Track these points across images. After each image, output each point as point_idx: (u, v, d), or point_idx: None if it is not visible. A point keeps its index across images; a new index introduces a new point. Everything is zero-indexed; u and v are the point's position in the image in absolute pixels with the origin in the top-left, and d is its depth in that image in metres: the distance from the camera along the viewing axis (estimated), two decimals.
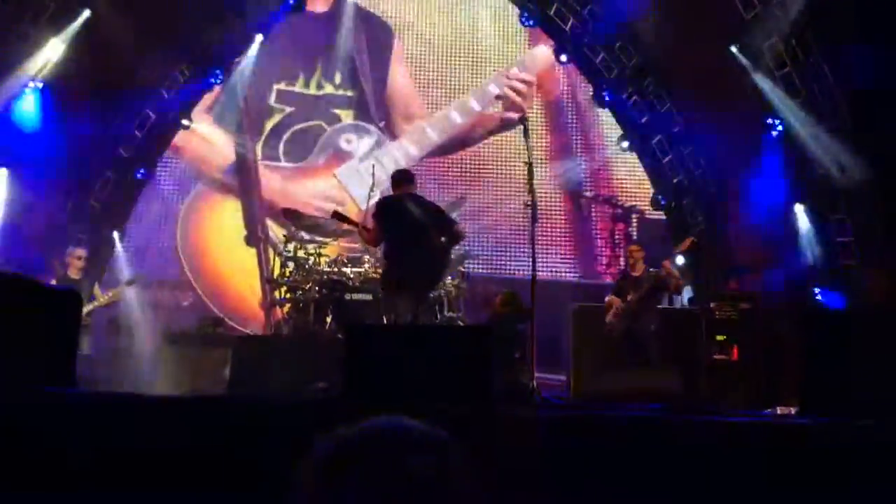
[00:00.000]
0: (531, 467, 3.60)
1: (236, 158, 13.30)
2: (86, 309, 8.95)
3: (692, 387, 8.32)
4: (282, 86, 13.70)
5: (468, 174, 13.12)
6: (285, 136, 13.54)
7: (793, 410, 6.29)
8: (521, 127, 7.12)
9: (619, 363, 8.63)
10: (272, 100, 13.66)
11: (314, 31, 13.78)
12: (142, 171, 12.19)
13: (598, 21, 12.46)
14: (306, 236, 9.93)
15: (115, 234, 11.72)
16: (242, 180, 13.44)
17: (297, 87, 13.79)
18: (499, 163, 13.02)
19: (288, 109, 13.66)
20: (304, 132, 13.63)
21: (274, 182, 13.43)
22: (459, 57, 13.67)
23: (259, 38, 12.58)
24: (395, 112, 13.83)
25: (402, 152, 13.51)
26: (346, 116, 13.78)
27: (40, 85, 10.59)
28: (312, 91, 13.74)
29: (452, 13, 13.78)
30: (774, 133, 11.44)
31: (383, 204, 7.78)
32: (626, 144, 12.95)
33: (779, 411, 7.20)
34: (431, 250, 7.21)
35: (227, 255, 13.16)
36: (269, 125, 13.61)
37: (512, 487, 3.49)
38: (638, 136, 12.84)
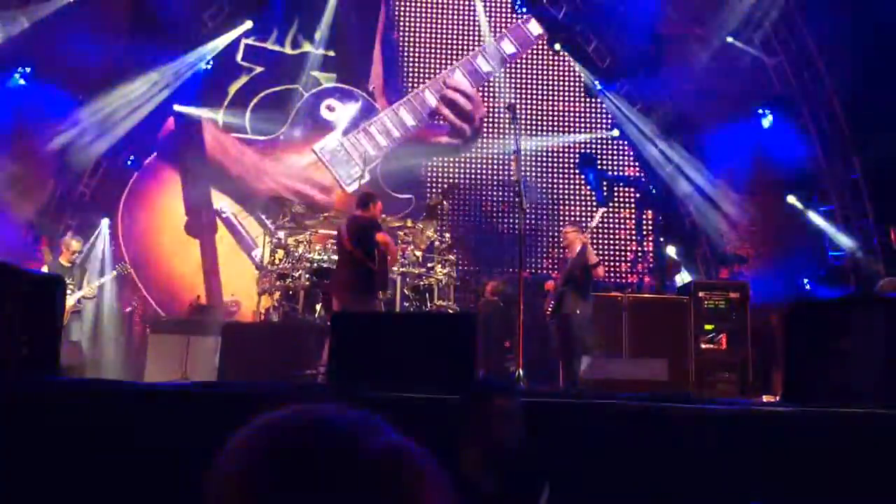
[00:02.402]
0: (515, 455, 3.60)
1: (175, 128, 11.73)
2: (75, 296, 8.93)
3: (679, 375, 8.33)
4: (251, 41, 12.04)
5: (457, 161, 12.88)
6: (253, 102, 12.02)
7: (777, 398, 6.33)
8: (510, 113, 7.09)
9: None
10: (239, 56, 12.12)
11: None
12: (131, 158, 12.10)
13: (591, 9, 12.42)
14: (294, 224, 9.90)
15: (105, 221, 11.62)
16: (185, 154, 11.90)
17: (269, 44, 12.20)
18: (488, 149, 12.85)
19: (257, 69, 12.12)
20: (276, 97, 12.08)
21: (246, 158, 11.91)
22: (453, 29, 12.81)
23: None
24: (380, 80, 12.48)
25: (397, 122, 12.37)
26: (327, 80, 12.32)
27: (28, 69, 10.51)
28: (288, 50, 12.19)
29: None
30: (765, 122, 11.48)
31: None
32: (616, 132, 12.94)
33: (765, 400, 7.23)
34: None
35: (172, 246, 11.83)
36: (233, 88, 12.05)
37: (495, 474, 3.50)
38: (630, 124, 12.83)
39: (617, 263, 12.65)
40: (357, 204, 7.67)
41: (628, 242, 12.74)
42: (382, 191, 11.97)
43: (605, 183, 12.84)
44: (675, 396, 5.39)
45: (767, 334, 8.97)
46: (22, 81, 10.52)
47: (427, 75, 12.80)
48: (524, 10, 13.17)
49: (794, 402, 4.49)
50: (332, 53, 12.33)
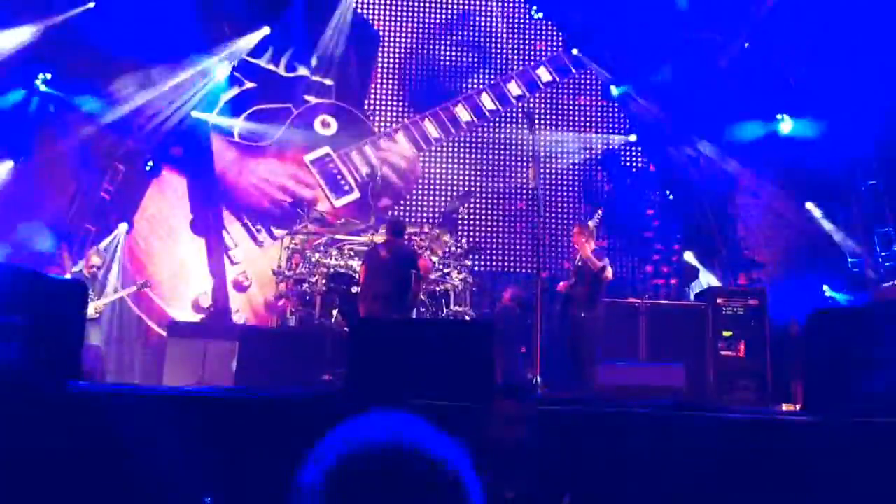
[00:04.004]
0: (532, 461, 3.60)
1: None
2: (96, 304, 9.01)
3: (697, 382, 8.27)
4: (244, 55, 12.08)
5: (474, 168, 12.81)
6: (243, 114, 12.14)
7: (797, 407, 6.27)
8: (527, 120, 7.11)
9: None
10: (232, 66, 12.13)
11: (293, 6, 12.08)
12: (150, 162, 12.16)
13: (609, 13, 12.38)
14: (312, 229, 9.94)
15: (122, 227, 11.62)
16: (193, 153, 11.94)
17: (263, 62, 12.26)
18: (505, 156, 12.83)
19: (248, 84, 12.27)
20: (267, 113, 12.21)
21: (229, 154, 11.94)
22: (454, 59, 12.75)
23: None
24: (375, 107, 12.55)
25: (392, 145, 12.45)
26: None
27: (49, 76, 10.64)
28: (282, 71, 12.30)
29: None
30: (784, 127, 11.42)
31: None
32: (633, 138, 12.89)
33: (784, 408, 7.17)
34: None
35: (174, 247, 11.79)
36: (224, 97, 12.15)
37: (513, 481, 3.49)
38: (648, 129, 12.78)
39: (634, 269, 12.57)
40: (396, 231, 8.19)
41: (647, 248, 12.66)
42: (370, 211, 12.03)
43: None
44: (693, 404, 5.36)
45: (786, 342, 8.90)
46: (44, 87, 10.64)
47: (427, 103, 12.81)
48: (541, 13, 13.15)
49: (815, 411, 4.45)
50: (329, 82, 12.42)
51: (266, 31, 12.18)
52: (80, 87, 10.72)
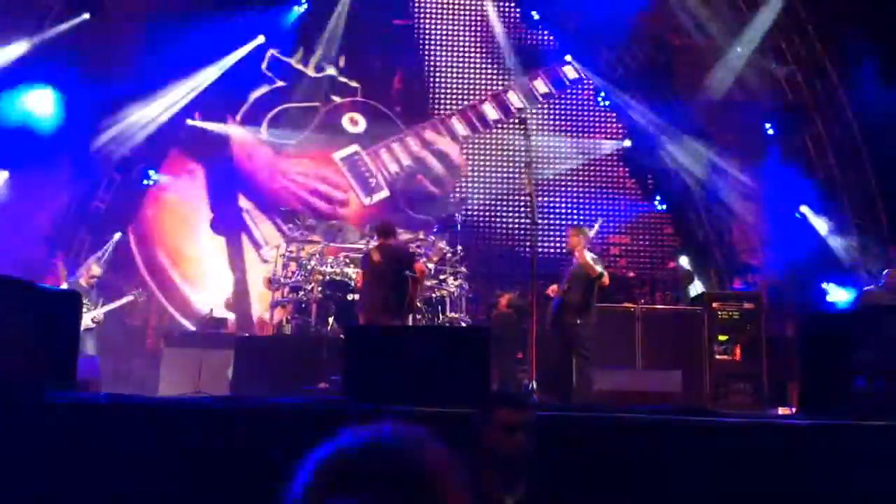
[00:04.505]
0: (528, 468, 3.59)
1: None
2: (92, 314, 8.99)
3: (694, 387, 8.27)
4: (276, 52, 12.28)
5: (469, 174, 12.90)
6: (272, 113, 12.27)
7: (793, 411, 6.27)
8: (522, 126, 7.11)
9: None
10: (264, 65, 12.33)
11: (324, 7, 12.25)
12: (149, 172, 12.17)
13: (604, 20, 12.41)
14: (307, 237, 9.95)
15: (116, 236, 11.60)
16: (211, 149, 12.00)
17: (294, 62, 12.42)
18: (499, 162, 12.87)
19: (279, 83, 12.38)
20: (296, 112, 12.33)
21: (260, 154, 12.00)
22: (472, 56, 12.90)
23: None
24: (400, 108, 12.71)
25: (421, 142, 12.46)
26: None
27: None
28: (311, 72, 12.42)
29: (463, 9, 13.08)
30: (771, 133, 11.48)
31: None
32: (628, 143, 12.92)
33: (780, 411, 7.17)
34: None
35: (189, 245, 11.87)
36: (253, 95, 12.29)
37: (513, 489, 3.48)
38: (642, 135, 12.81)
39: (630, 275, 12.57)
40: (385, 232, 7.99)
41: (642, 255, 12.67)
42: (401, 209, 12.05)
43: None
44: (690, 409, 5.36)
45: (782, 345, 8.90)
46: (40, 98, 10.60)
47: (452, 102, 12.91)
48: (538, 20, 13.17)
49: (810, 414, 4.45)
50: (355, 84, 12.56)
51: (261, 39, 12.20)
52: (77, 97, 10.70)
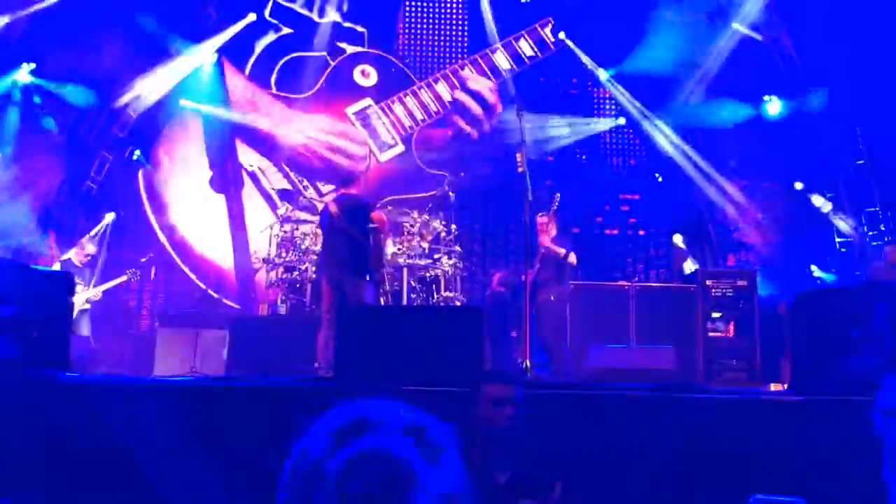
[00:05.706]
0: (521, 445, 3.62)
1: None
2: (83, 296, 8.97)
3: (687, 364, 8.32)
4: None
5: (464, 155, 12.74)
6: (280, 63, 11.94)
7: (785, 387, 6.32)
8: (516, 105, 7.09)
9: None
10: (267, 12, 12.01)
11: None
12: (136, 151, 12.05)
13: None
14: (302, 216, 9.92)
15: (110, 216, 11.52)
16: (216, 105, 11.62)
17: (297, 6, 12.06)
18: (494, 140, 12.71)
19: (285, 30, 12.05)
20: (304, 62, 11.98)
21: (275, 110, 11.65)
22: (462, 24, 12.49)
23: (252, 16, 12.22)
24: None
25: (433, 96, 12.06)
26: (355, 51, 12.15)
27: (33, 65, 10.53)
28: (314, 16, 12.06)
29: None
30: (771, 108, 11.43)
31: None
32: (623, 120, 12.87)
33: (772, 388, 7.22)
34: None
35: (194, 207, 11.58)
36: (260, 45, 11.95)
37: (504, 464, 3.51)
38: (635, 112, 12.74)
39: (624, 255, 12.58)
40: (344, 181, 7.69)
41: (637, 233, 12.67)
42: (416, 166, 11.85)
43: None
44: (683, 385, 5.40)
45: (775, 322, 8.94)
46: (29, 77, 10.52)
47: (458, 53, 12.54)
48: None
49: (801, 391, 4.49)
50: (360, 29, 12.18)
51: (252, 17, 12.04)
52: (66, 76, 10.61)
